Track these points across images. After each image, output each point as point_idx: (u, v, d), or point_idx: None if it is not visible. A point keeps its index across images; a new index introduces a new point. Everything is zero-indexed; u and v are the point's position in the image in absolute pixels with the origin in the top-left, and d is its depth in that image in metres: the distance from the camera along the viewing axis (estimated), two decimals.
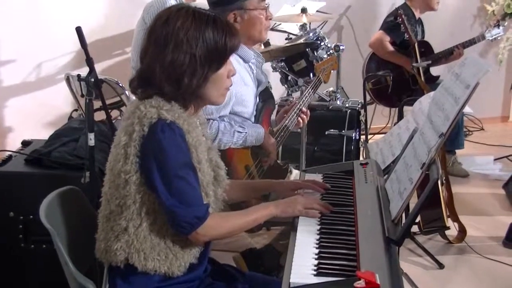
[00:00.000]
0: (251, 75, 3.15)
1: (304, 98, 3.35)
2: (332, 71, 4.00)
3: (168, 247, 1.99)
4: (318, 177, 2.49)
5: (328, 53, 4.61)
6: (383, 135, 3.31)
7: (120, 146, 1.94)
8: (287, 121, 3.22)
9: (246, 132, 2.96)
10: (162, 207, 1.94)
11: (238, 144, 2.95)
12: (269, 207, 2.11)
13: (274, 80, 4.95)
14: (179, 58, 1.93)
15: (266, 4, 3.10)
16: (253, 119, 3.14)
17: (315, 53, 4.57)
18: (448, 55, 5.31)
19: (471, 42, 5.33)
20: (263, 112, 3.19)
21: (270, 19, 3.14)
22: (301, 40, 4.69)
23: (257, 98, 3.19)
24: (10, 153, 3.33)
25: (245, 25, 3.04)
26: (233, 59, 2.98)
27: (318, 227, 2.04)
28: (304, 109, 3.31)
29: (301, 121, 3.30)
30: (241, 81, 3.05)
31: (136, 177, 1.93)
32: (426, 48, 5.31)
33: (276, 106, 4.30)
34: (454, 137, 5.23)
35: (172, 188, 1.90)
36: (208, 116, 2.86)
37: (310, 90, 3.43)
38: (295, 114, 3.26)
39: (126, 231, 1.97)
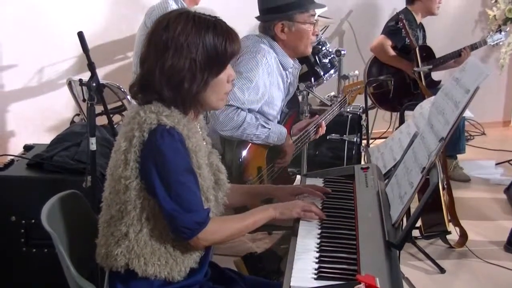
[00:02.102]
0: (285, 82, 3.19)
1: (327, 115, 3.40)
2: (334, 71, 4.04)
3: (169, 252, 1.99)
4: (319, 182, 2.50)
5: (330, 58, 4.61)
6: (384, 139, 3.31)
7: (120, 151, 1.95)
8: (308, 131, 3.26)
9: (270, 129, 3.00)
10: (163, 212, 1.94)
11: (260, 139, 2.98)
12: (268, 209, 2.12)
13: None
14: (179, 63, 1.93)
15: (315, 20, 3.12)
16: (276, 122, 3.17)
17: (317, 58, 4.58)
18: (456, 56, 5.30)
19: (472, 47, 5.33)
20: (287, 118, 3.22)
21: (317, 35, 3.18)
22: None
23: (284, 105, 3.23)
24: (12, 157, 3.33)
25: (292, 36, 3.08)
26: (275, 63, 3.04)
27: (319, 231, 2.04)
28: (323, 123, 3.35)
29: (320, 131, 3.36)
30: (277, 84, 3.09)
31: (136, 183, 1.93)
32: (427, 52, 5.32)
33: None
34: (455, 142, 5.23)
35: (172, 194, 1.90)
36: (238, 105, 2.88)
37: (335, 108, 3.46)
38: (315, 128, 3.31)
39: (126, 236, 1.97)
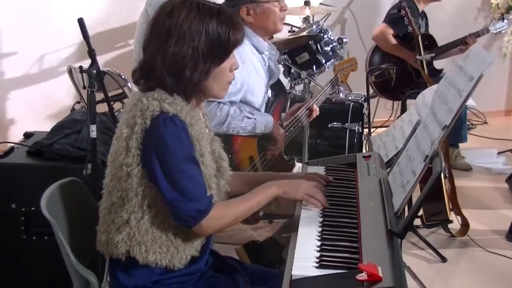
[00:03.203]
0: (264, 66, 3.16)
1: (319, 96, 3.37)
2: (335, 60, 3.99)
3: (170, 240, 1.99)
4: (320, 170, 2.49)
5: (332, 46, 4.59)
6: (386, 128, 3.30)
7: (122, 138, 1.94)
8: (298, 116, 3.24)
9: (255, 119, 2.98)
10: (164, 201, 1.93)
11: (247, 130, 2.96)
12: (272, 187, 2.10)
13: None
14: (181, 50, 1.92)
15: None
16: (262, 110, 3.15)
17: (318, 46, 4.55)
18: (459, 44, 5.26)
19: (475, 36, 5.30)
20: (274, 105, 3.20)
21: (285, 10, 3.14)
22: (304, 33, 4.67)
23: (268, 90, 3.20)
24: (12, 145, 3.32)
25: (259, 18, 3.05)
26: (249, 49, 3.02)
27: (320, 219, 2.04)
28: (314, 106, 3.33)
29: (313, 114, 3.33)
30: (255, 70, 3.07)
31: (138, 170, 1.92)
32: (429, 41, 5.29)
33: None
34: (457, 131, 5.22)
35: (174, 182, 1.89)
36: (219, 100, 2.86)
37: (326, 89, 3.43)
38: (307, 110, 3.28)
39: (127, 223, 1.96)
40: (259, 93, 3.11)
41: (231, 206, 2.05)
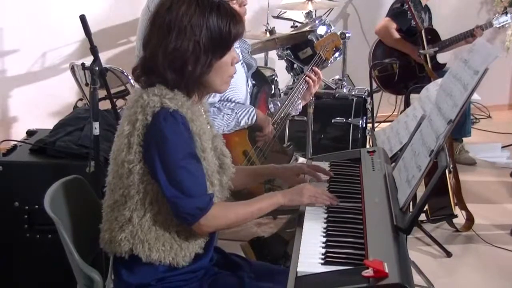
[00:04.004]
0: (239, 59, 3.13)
1: (302, 81, 3.29)
2: (338, 54, 3.92)
3: (173, 237, 1.98)
4: (325, 165, 2.47)
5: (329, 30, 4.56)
6: (389, 123, 3.29)
7: (123, 135, 1.93)
8: (289, 97, 3.20)
9: (236, 113, 2.96)
10: (165, 197, 1.92)
11: (231, 126, 2.96)
12: (276, 196, 2.09)
13: (280, 68, 4.93)
14: (182, 45, 1.91)
15: None
16: (248, 103, 3.13)
17: None
18: (463, 38, 5.24)
19: (481, 28, 5.27)
20: (259, 96, 3.18)
21: (245, 5, 3.11)
22: (307, 28, 4.66)
23: (250, 82, 3.17)
24: (15, 142, 3.31)
25: None
26: None
27: (325, 215, 2.02)
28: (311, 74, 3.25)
29: (311, 82, 3.25)
30: None
31: (140, 167, 1.92)
32: (432, 35, 5.27)
33: (281, 94, 4.30)
34: (461, 125, 5.19)
35: (174, 178, 1.88)
36: None
37: (309, 67, 3.34)
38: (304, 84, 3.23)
39: (130, 221, 1.96)
40: (240, 88, 3.08)
41: (232, 208, 2.04)
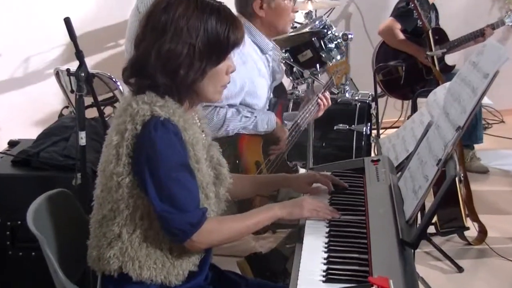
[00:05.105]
0: (267, 67, 3.17)
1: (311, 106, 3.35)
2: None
3: (165, 254, 1.98)
4: None
5: (336, 42, 4.58)
6: (395, 129, 3.29)
7: (112, 146, 1.93)
8: (300, 115, 3.24)
9: (255, 117, 3.00)
10: (154, 212, 1.92)
11: (248, 129, 2.99)
12: (273, 209, 2.08)
13: None
14: (177, 47, 1.91)
15: None
16: None
17: (322, 43, 4.54)
18: (474, 38, 5.25)
19: (491, 27, 5.29)
20: (276, 107, 3.21)
21: (296, 11, 3.16)
22: (307, 29, 4.66)
23: (270, 92, 3.21)
24: None
25: (271, 14, 3.08)
26: (251, 48, 3.03)
27: (327, 229, 2.03)
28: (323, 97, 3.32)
29: (322, 106, 3.32)
30: (257, 71, 3.08)
31: (129, 180, 1.92)
32: (440, 35, 5.28)
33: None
34: (472, 131, 5.21)
35: (164, 191, 1.88)
36: (216, 103, 2.87)
37: (322, 90, 3.42)
38: (309, 108, 3.28)
39: (119, 237, 1.96)
40: (261, 96, 3.12)
41: (226, 222, 2.04)
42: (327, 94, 3.40)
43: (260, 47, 3.11)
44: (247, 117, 2.98)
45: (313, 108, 3.32)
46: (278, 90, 3.31)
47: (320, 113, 3.40)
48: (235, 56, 2.91)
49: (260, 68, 3.12)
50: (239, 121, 2.96)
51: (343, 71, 3.67)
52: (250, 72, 3.05)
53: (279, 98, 3.30)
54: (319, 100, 3.33)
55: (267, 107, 3.22)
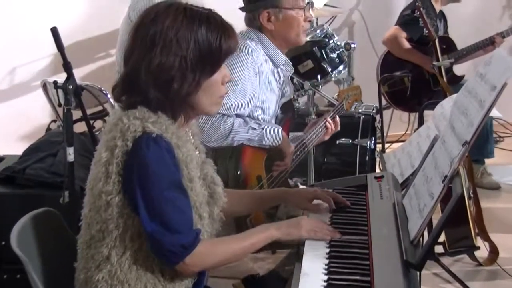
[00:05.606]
0: (278, 82, 3.18)
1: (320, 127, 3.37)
2: (342, 67, 4.02)
3: (156, 277, 1.98)
4: None
5: (338, 52, 4.60)
6: (401, 143, 3.30)
7: (101, 163, 1.93)
8: (307, 136, 3.26)
9: (262, 129, 3.01)
10: (144, 233, 1.92)
11: (253, 141, 2.99)
12: (270, 229, 2.09)
13: None
14: (168, 60, 1.92)
15: (308, 2, 3.10)
16: None
17: (323, 53, 4.56)
18: (484, 46, 5.27)
19: (501, 36, 5.30)
20: (282, 123, 3.22)
21: (310, 20, 3.16)
22: (307, 38, 4.68)
23: (278, 108, 3.22)
24: None
25: (280, 25, 3.07)
26: (264, 60, 3.03)
27: (327, 250, 2.03)
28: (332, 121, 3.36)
29: (329, 130, 3.36)
30: (268, 84, 3.09)
31: (119, 199, 1.92)
32: (447, 44, 5.29)
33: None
34: (482, 145, 5.21)
35: (155, 212, 1.89)
36: (224, 111, 2.88)
37: (331, 114, 3.44)
38: (317, 130, 3.30)
39: (108, 260, 1.95)
40: (269, 111, 3.14)
41: (221, 245, 2.04)
42: (337, 119, 3.42)
43: (273, 60, 3.12)
44: (254, 128, 2.99)
45: (320, 130, 3.33)
46: (286, 107, 3.32)
47: (327, 137, 3.41)
48: (249, 64, 2.94)
49: (271, 81, 3.13)
50: (245, 132, 2.96)
51: (355, 97, 3.68)
52: (262, 84, 3.06)
53: (286, 113, 3.30)
54: (327, 123, 3.34)
55: (273, 122, 3.23)
